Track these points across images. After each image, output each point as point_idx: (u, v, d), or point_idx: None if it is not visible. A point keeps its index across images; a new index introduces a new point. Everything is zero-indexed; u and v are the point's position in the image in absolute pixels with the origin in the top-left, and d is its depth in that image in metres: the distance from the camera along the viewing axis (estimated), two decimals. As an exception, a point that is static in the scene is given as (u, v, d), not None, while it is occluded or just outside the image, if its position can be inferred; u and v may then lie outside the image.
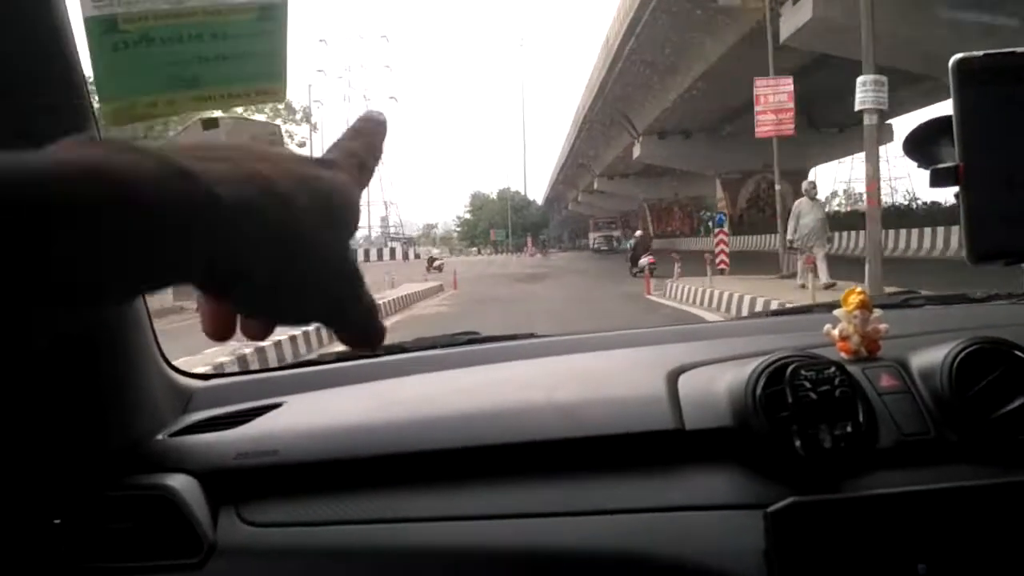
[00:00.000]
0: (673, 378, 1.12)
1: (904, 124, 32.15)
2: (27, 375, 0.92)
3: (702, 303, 12.75)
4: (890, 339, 1.12)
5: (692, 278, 14.93)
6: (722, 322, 3.26)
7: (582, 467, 1.04)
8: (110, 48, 0.97)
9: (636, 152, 36.24)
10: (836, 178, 77.09)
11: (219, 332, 0.42)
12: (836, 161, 40.44)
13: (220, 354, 7.64)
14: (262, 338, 0.44)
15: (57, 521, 0.99)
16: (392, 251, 51.92)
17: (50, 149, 0.32)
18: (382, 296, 14.73)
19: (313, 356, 1.58)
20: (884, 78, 10.56)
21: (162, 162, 0.34)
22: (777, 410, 0.97)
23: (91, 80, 0.95)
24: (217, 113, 1.08)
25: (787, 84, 16.49)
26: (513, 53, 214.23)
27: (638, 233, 26.01)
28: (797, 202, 12.96)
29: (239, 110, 1.13)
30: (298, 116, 26.05)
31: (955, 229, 16.88)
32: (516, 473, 1.04)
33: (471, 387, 1.25)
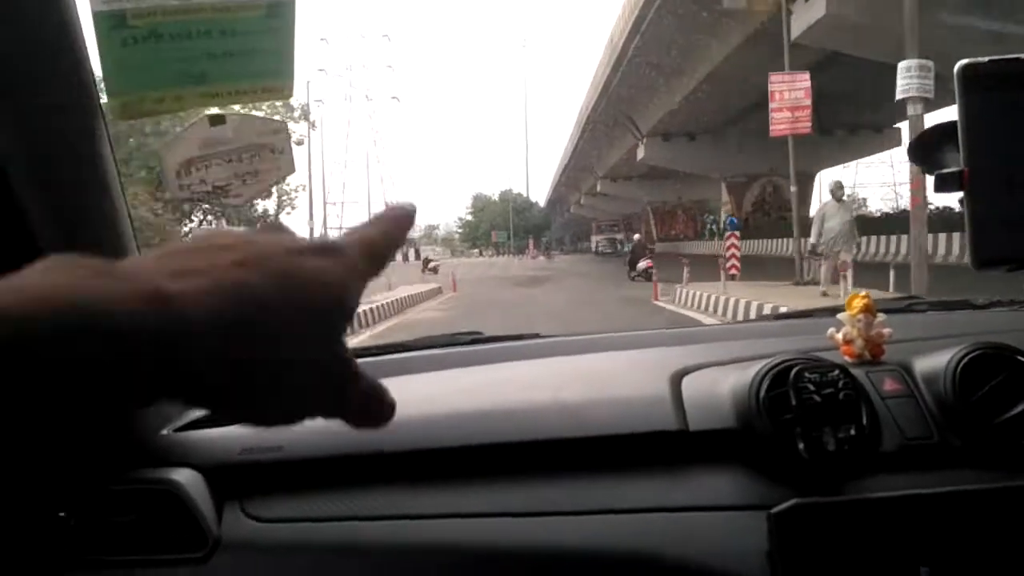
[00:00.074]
0: (677, 379, 1.13)
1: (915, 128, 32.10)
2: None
3: (715, 310, 12.20)
4: (894, 343, 1.13)
5: (702, 283, 14.48)
6: (726, 325, 3.28)
7: (585, 467, 1.05)
8: (119, 43, 0.99)
9: (640, 154, 36.22)
10: (841, 183, 77.02)
11: None
12: (841, 166, 40.37)
13: None
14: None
15: (62, 514, 1.00)
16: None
17: (22, 276, 0.32)
18: (374, 300, 14.28)
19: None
20: (930, 63, 9.96)
21: (136, 287, 0.33)
22: (781, 412, 0.98)
23: (99, 75, 0.97)
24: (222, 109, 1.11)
25: (804, 80, 15.80)
26: (516, 53, 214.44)
27: (636, 237, 25.97)
28: (822, 204, 12.23)
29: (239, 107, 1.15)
30: (296, 114, 26.09)
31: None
32: (520, 472, 1.05)
33: (475, 386, 1.27)
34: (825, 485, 0.96)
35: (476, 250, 78.85)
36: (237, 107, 1.10)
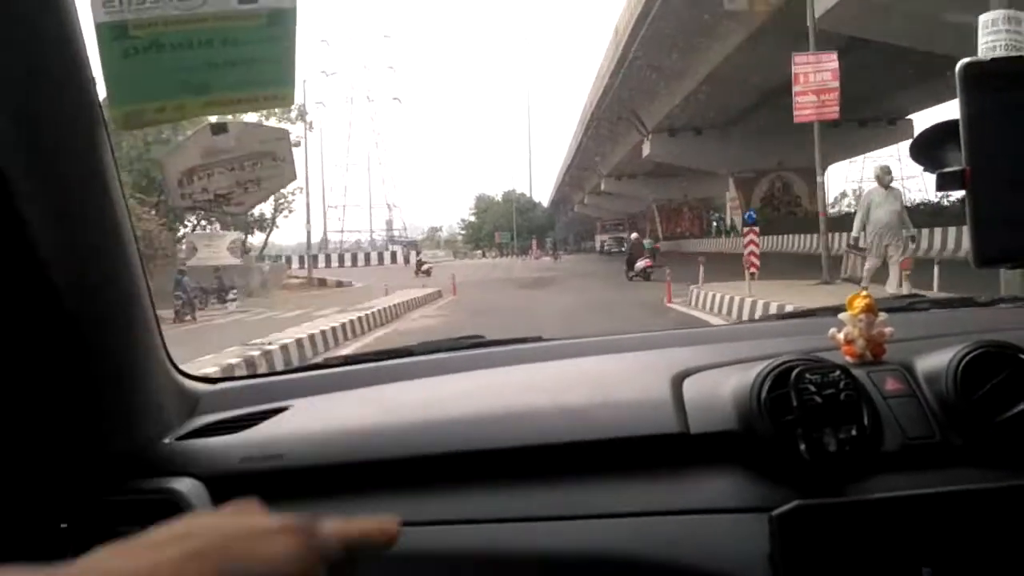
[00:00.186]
0: (678, 381, 1.15)
1: (924, 120, 32.05)
2: (34, 377, 0.95)
3: (741, 315, 10.99)
4: (895, 343, 1.15)
5: (720, 283, 13.82)
6: (727, 325, 3.30)
7: (587, 470, 1.06)
8: (120, 54, 1.02)
9: (646, 150, 36.23)
10: (847, 177, 76.67)
11: None
12: (847, 161, 40.22)
13: (229, 356, 7.82)
14: None
15: (64, 525, 1.02)
16: (393, 254, 51.94)
17: None
18: (364, 307, 13.88)
19: (319, 360, 1.62)
20: (1021, 14, 8.88)
21: None
22: (782, 414, 0.99)
23: (101, 86, 1.00)
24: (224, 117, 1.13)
25: (831, 60, 14.82)
26: (518, 53, 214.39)
27: (633, 236, 25.66)
28: (867, 191, 11.42)
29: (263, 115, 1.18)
30: (293, 114, 26.13)
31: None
32: (521, 476, 1.07)
33: (476, 390, 1.28)
34: (827, 486, 0.98)
35: (479, 251, 78.81)
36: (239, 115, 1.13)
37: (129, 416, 1.09)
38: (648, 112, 33.25)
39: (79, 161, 0.94)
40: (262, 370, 7.19)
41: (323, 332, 10.41)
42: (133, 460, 1.09)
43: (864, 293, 1.16)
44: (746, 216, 16.06)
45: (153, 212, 17.39)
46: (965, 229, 0.87)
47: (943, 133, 0.91)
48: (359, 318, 12.61)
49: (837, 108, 14.85)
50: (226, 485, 1.09)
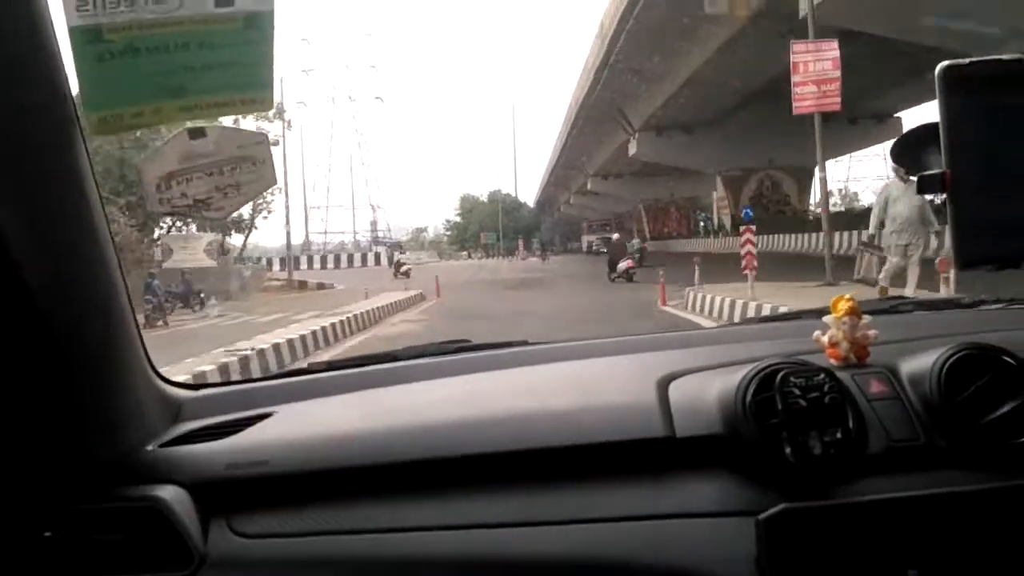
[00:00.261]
0: (664, 385, 1.16)
1: (912, 118, 32.32)
2: (14, 385, 0.95)
3: (743, 319, 9.83)
4: (879, 345, 1.16)
5: (717, 285, 13.28)
6: (712, 328, 3.31)
7: (573, 475, 1.07)
8: (95, 58, 1.02)
9: (632, 149, 36.32)
10: (833, 177, 77.18)
11: None
12: (833, 160, 40.49)
13: (201, 363, 7.69)
14: None
15: (47, 534, 1.02)
16: (377, 256, 51.80)
17: None
18: (342, 312, 13.31)
19: (302, 365, 1.62)
20: None
21: None
22: (767, 417, 1.01)
23: (76, 91, 1.00)
24: (204, 123, 1.13)
25: (831, 49, 14.13)
26: (503, 51, 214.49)
27: (615, 236, 25.67)
28: (885, 184, 10.59)
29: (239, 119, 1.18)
30: (271, 113, 26.00)
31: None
32: (507, 482, 1.08)
33: (462, 395, 1.29)
34: (812, 489, 0.99)
35: (465, 252, 78.78)
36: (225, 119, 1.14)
37: (111, 423, 1.10)
38: (634, 110, 33.33)
39: (55, 166, 0.94)
40: (235, 376, 7.15)
41: (289, 342, 9.73)
42: (116, 468, 1.09)
43: (848, 296, 1.17)
44: (743, 214, 15.50)
45: (123, 213, 17.15)
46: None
47: (924, 136, 0.93)
48: (334, 324, 12.03)
49: (839, 99, 14.20)
50: (210, 492, 1.10)
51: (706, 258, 14.93)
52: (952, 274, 8.79)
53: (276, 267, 35.86)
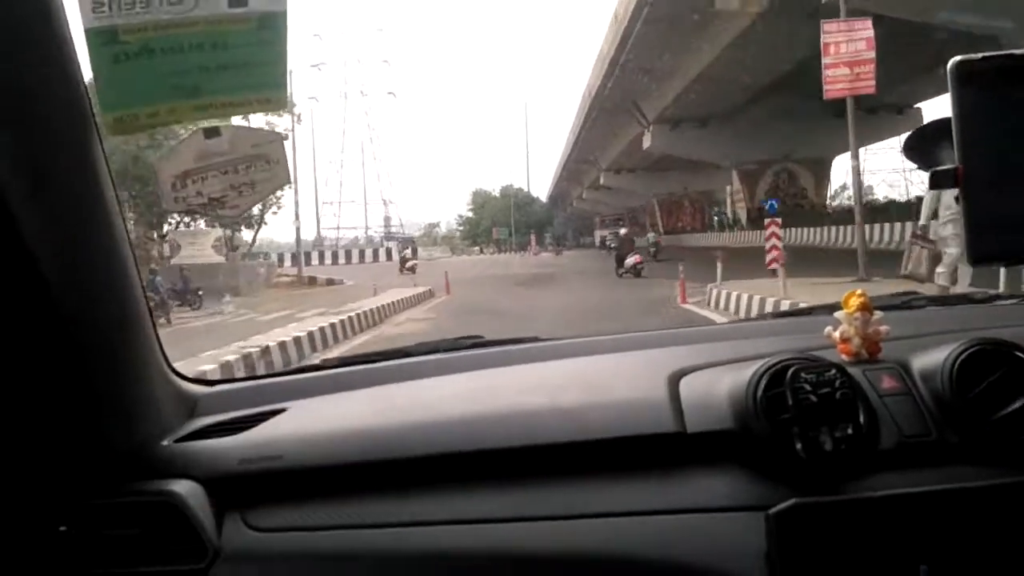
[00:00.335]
0: (675, 381, 1.18)
1: (933, 109, 31.98)
2: (30, 380, 0.98)
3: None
4: (891, 341, 1.17)
5: (741, 282, 12.63)
6: (723, 324, 3.32)
7: (584, 470, 1.09)
8: (111, 59, 1.05)
9: (646, 142, 36.08)
10: (847, 170, 76.35)
11: None
12: (846, 153, 40.09)
13: (224, 354, 7.71)
14: None
15: (63, 528, 1.05)
16: (388, 251, 51.88)
17: None
18: (348, 310, 12.92)
19: (316, 361, 1.65)
20: None
21: None
22: (778, 412, 1.02)
23: (93, 91, 1.03)
24: (218, 122, 1.16)
25: (865, 28, 13.42)
26: (516, 45, 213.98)
27: (622, 231, 25.40)
28: None
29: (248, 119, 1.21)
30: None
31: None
32: (518, 477, 1.10)
33: (474, 391, 1.31)
34: (823, 485, 1.01)
35: (477, 247, 78.80)
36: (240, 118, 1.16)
37: (127, 418, 1.12)
38: (649, 103, 33.16)
39: (72, 165, 0.97)
40: (261, 370, 7.18)
41: (282, 345, 9.35)
42: (131, 462, 1.12)
43: (859, 291, 1.18)
44: (767, 205, 14.99)
45: (129, 208, 17.06)
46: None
47: (936, 131, 0.94)
48: (334, 324, 11.51)
49: (873, 81, 13.46)
50: (225, 487, 1.12)
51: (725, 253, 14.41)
52: (962, 269, 8.52)
53: (287, 263, 35.96)
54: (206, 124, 1.14)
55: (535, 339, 1.60)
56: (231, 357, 8.28)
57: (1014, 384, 1.04)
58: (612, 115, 36.78)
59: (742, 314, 11.03)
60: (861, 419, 1.02)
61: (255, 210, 29.46)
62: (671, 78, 28.77)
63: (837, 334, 1.18)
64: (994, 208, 0.88)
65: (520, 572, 1.06)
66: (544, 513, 1.07)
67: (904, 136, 1.01)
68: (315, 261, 46.40)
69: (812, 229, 30.09)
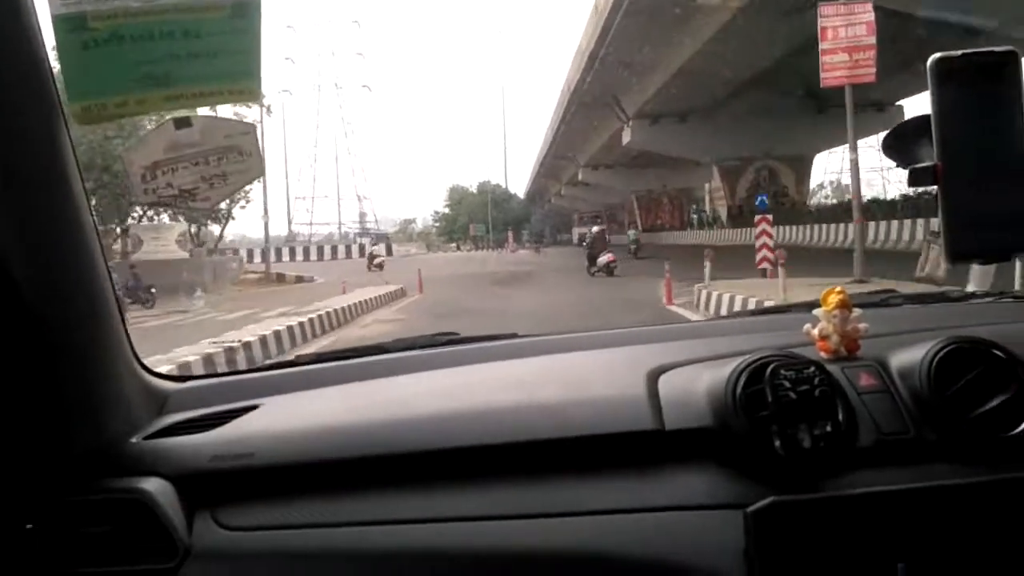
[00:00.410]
0: (653, 378, 1.19)
1: (915, 107, 32.31)
2: None
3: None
4: (869, 338, 1.19)
5: (731, 282, 12.15)
6: (702, 321, 3.35)
7: (562, 468, 1.10)
8: (79, 46, 1.04)
9: (626, 138, 36.15)
10: (826, 169, 76.82)
11: None
12: (827, 151, 40.41)
13: (187, 353, 7.49)
14: None
15: (29, 526, 1.04)
16: (361, 248, 51.65)
17: None
18: (312, 310, 12.37)
19: (289, 357, 1.64)
20: None
21: None
22: (757, 410, 1.04)
23: (60, 79, 1.02)
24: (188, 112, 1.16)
25: (865, 11, 12.92)
26: (493, 39, 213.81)
27: (595, 229, 25.02)
28: None
29: (216, 110, 1.20)
30: (250, 98, 25.68)
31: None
32: (496, 474, 1.11)
33: (451, 388, 1.32)
34: (802, 482, 1.02)
35: (454, 244, 78.71)
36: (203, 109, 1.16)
37: (95, 414, 1.12)
38: (629, 97, 33.21)
39: (38, 156, 0.96)
40: (222, 369, 7.09)
41: (229, 351, 8.44)
42: (100, 459, 1.11)
43: (838, 289, 1.20)
44: (756, 201, 14.45)
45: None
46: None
47: (915, 128, 0.95)
48: (299, 324, 10.87)
49: (873, 68, 12.96)
50: (195, 484, 1.12)
51: (701, 251, 13.75)
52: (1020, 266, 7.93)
53: (257, 258, 35.67)
54: (177, 114, 1.13)
55: (513, 335, 1.61)
56: (164, 368, 7.90)
57: (991, 382, 1.06)
58: (591, 110, 36.81)
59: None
60: (840, 417, 1.04)
61: (223, 204, 29.16)
62: (651, 72, 28.82)
63: (816, 331, 1.20)
64: (973, 205, 0.89)
65: (497, 570, 1.06)
66: (521, 511, 1.08)
67: (884, 134, 1.03)
68: (285, 257, 46.06)
69: (795, 227, 30.28)
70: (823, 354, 1.18)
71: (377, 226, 77.58)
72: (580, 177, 54.92)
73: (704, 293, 11.82)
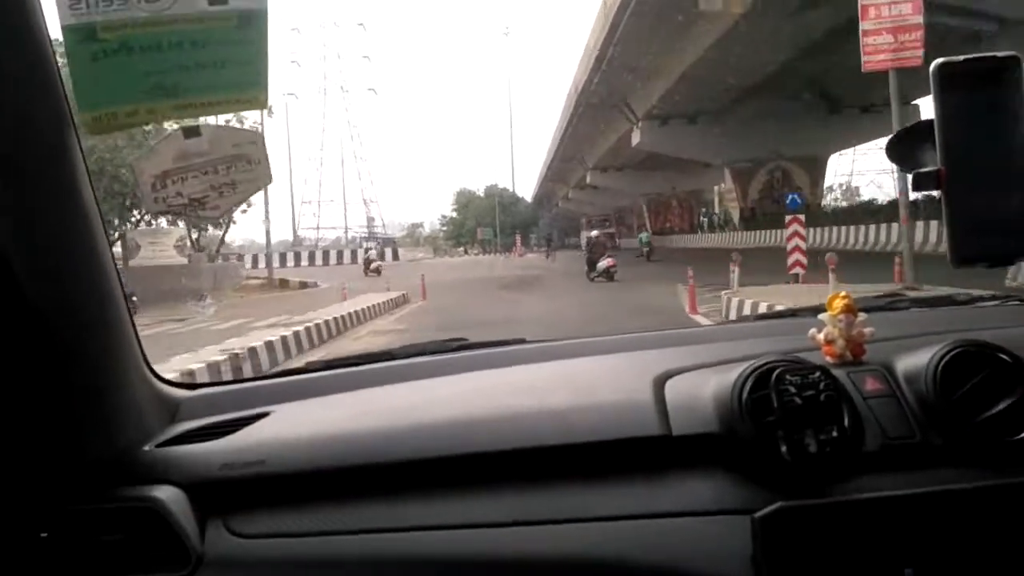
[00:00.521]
0: (660, 383, 1.21)
1: (930, 107, 31.91)
2: (10, 384, 1.00)
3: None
4: (875, 342, 1.21)
5: (765, 288, 11.37)
6: (708, 327, 3.36)
7: (570, 474, 1.12)
8: (89, 57, 1.08)
9: (635, 139, 36.00)
10: (836, 171, 76.02)
11: None
12: (838, 153, 40.13)
13: (191, 360, 7.43)
14: None
15: (44, 534, 1.07)
16: (367, 252, 51.64)
17: None
18: (307, 319, 11.98)
19: (299, 364, 1.67)
20: None
21: None
22: (763, 415, 1.05)
23: (71, 90, 1.05)
24: (198, 121, 1.18)
25: None
26: (500, 42, 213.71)
27: (594, 234, 24.80)
28: None
29: (218, 119, 1.23)
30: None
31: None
32: (504, 481, 1.13)
33: (460, 394, 1.34)
34: (808, 487, 1.04)
35: (461, 248, 78.72)
36: (218, 118, 1.19)
37: (108, 423, 1.14)
38: (638, 98, 33.12)
39: (48, 165, 0.99)
40: (227, 376, 7.11)
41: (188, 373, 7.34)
42: (113, 468, 1.13)
43: (843, 293, 1.22)
44: (788, 201, 13.64)
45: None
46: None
47: (919, 133, 0.97)
48: (282, 337, 10.14)
49: (920, 51, 11.57)
50: (207, 492, 1.14)
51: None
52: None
53: (261, 264, 35.70)
54: (185, 123, 1.16)
55: (521, 341, 1.63)
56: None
57: (997, 386, 1.08)
58: (598, 111, 36.69)
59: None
60: (846, 421, 1.05)
61: (225, 207, 28.98)
62: (660, 73, 28.75)
63: (821, 336, 1.22)
64: (977, 210, 0.90)
65: None
66: (529, 517, 1.09)
67: (880, 139, 1.03)
68: (290, 262, 46.15)
69: (813, 229, 30.05)
70: (829, 359, 1.20)
71: (384, 230, 77.73)
72: (588, 180, 54.88)
73: (735, 301, 10.91)
